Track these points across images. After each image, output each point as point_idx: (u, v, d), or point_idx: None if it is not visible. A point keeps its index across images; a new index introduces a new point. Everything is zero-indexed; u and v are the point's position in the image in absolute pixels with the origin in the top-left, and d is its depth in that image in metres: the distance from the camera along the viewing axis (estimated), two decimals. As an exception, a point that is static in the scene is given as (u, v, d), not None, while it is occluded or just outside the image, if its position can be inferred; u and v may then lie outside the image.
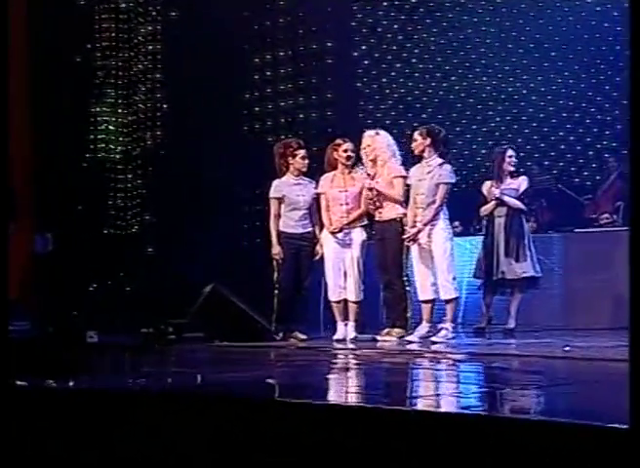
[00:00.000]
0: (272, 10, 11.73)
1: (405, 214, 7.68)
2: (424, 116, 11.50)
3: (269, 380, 5.05)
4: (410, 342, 7.39)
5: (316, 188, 8.10)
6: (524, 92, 11.78)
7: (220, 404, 4.09)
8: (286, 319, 7.99)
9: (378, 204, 7.80)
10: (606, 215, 9.95)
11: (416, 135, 7.68)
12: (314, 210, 8.12)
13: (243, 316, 8.03)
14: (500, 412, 3.95)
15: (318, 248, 8.05)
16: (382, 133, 7.99)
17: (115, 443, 4.06)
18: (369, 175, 7.82)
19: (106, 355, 7.22)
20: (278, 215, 8.12)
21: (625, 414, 2.80)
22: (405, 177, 7.76)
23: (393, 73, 12.15)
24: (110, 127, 11.50)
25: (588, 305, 8.68)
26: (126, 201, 11.48)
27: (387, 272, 7.81)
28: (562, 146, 11.74)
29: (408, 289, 7.71)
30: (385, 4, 12.12)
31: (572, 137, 11.73)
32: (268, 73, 11.75)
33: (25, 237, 9.54)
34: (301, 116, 11.67)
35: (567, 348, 6.35)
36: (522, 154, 8.58)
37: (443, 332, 7.42)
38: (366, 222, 7.99)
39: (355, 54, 12.20)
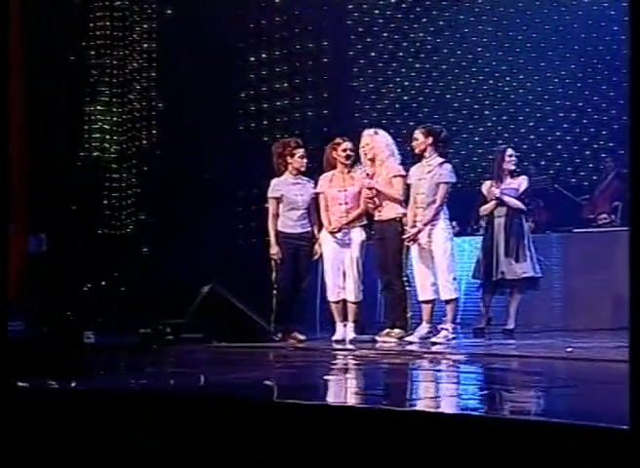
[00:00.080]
0: (268, 8, 11.70)
1: (405, 214, 7.64)
2: (421, 115, 11.52)
3: (268, 382, 5.00)
4: (410, 343, 7.36)
5: (315, 188, 8.05)
6: (521, 91, 11.81)
7: (219, 404, 4.08)
8: (285, 319, 7.94)
9: (377, 203, 7.76)
10: (604, 216, 9.94)
11: (417, 134, 7.63)
12: (313, 209, 8.06)
13: (241, 316, 7.99)
14: (499, 413, 3.95)
15: (317, 247, 8.00)
16: (381, 132, 7.95)
17: (115, 443, 4.04)
18: (368, 174, 7.77)
19: (103, 355, 7.18)
20: (276, 215, 8.06)
21: (625, 415, 2.79)
22: (404, 177, 7.72)
23: (389, 72, 12.15)
24: (105, 126, 11.42)
25: (588, 306, 8.69)
26: (120, 200, 11.41)
27: (387, 272, 7.76)
28: (559, 146, 11.75)
29: (408, 289, 7.67)
30: (382, 3, 12.09)
31: (569, 137, 11.75)
32: (264, 72, 11.70)
33: (20, 237, 9.46)
34: (297, 115, 11.63)
35: (570, 350, 6.30)
36: (519, 154, 8.57)
37: (443, 333, 7.39)
38: (365, 222, 7.95)
39: (351, 53, 12.17)
